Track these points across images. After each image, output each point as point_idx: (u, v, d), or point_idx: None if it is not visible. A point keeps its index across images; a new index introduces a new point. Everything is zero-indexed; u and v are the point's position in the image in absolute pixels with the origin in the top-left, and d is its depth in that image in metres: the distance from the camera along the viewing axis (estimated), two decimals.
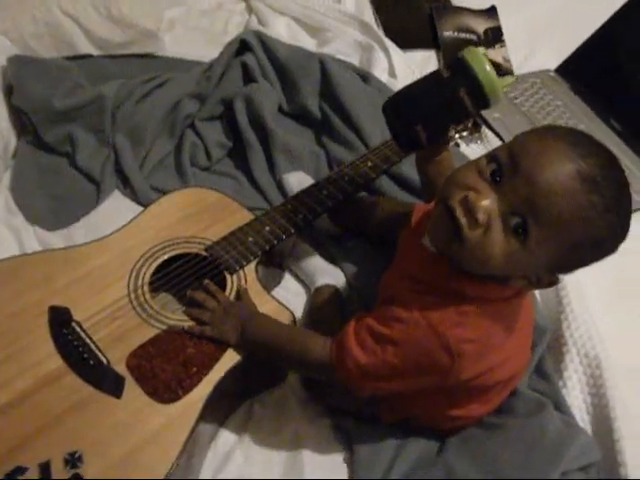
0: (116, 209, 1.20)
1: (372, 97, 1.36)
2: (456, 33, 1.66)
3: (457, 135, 1.28)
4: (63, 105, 1.27)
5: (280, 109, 1.41)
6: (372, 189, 1.23)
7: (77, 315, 0.91)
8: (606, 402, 0.98)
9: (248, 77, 1.41)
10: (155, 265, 0.98)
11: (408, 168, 1.21)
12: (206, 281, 0.96)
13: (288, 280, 1.15)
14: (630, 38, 1.47)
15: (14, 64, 1.32)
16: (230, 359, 0.90)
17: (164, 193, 1.14)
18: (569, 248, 0.68)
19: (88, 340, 0.88)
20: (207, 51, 1.51)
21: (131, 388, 0.85)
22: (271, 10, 1.62)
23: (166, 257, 0.99)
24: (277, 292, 1.07)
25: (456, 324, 0.76)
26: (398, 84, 1.43)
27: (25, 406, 0.83)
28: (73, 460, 0.79)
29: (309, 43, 1.58)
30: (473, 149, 1.34)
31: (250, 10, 1.66)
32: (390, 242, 0.97)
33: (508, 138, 1.37)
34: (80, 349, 0.87)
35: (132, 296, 0.94)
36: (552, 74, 1.59)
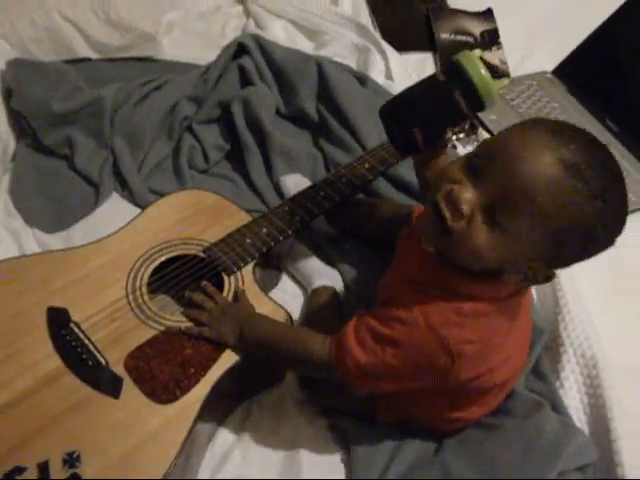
0: (114, 211, 1.20)
1: (369, 99, 1.37)
2: (453, 35, 1.66)
3: (454, 137, 1.28)
4: (62, 108, 1.28)
5: (277, 112, 1.41)
6: (369, 191, 1.23)
7: (75, 316, 0.91)
8: (603, 402, 0.98)
9: (245, 80, 1.41)
10: (153, 267, 0.98)
11: (405, 170, 1.21)
12: (204, 282, 0.96)
13: (285, 282, 1.15)
14: (627, 40, 1.47)
15: (13, 67, 1.32)
16: (228, 360, 0.90)
17: (162, 195, 1.14)
18: (554, 235, 0.68)
19: (86, 341, 0.89)
20: (205, 54, 1.51)
21: (129, 389, 0.86)
22: (268, 13, 1.63)
23: (164, 259, 1.00)
24: (274, 294, 1.08)
25: (456, 325, 0.76)
26: (395, 86, 1.44)
27: (24, 406, 0.83)
28: (71, 460, 0.79)
29: (306, 46, 1.58)
30: (470, 151, 1.34)
31: (247, 13, 1.67)
32: (387, 244, 0.97)
33: None
34: (78, 350, 0.88)
35: (130, 297, 0.94)
36: (549, 76, 1.59)
